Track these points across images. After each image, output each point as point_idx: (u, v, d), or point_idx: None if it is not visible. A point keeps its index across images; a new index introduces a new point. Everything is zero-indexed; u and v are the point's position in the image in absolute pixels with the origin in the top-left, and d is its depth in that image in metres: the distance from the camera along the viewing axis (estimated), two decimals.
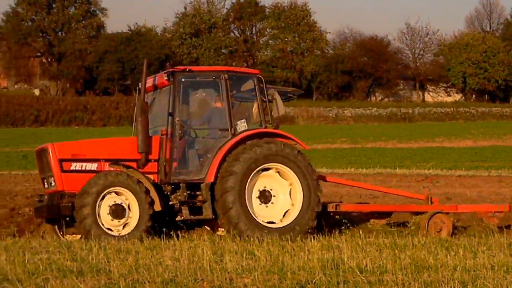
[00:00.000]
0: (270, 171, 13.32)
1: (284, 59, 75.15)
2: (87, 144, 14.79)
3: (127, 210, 12.97)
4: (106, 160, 13.40)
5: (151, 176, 13.41)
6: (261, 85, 13.72)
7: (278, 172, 13.42)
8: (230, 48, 74.86)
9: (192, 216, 13.30)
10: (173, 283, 8.37)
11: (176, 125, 13.21)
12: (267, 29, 79.35)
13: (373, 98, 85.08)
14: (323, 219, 14.49)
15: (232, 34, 78.75)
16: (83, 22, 74.39)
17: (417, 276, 8.36)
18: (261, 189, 13.37)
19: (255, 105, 13.90)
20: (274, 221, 13.26)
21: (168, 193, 13.42)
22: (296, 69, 75.33)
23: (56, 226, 13.50)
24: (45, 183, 13.43)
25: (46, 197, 13.32)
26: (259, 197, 13.36)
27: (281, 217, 13.33)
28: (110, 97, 62.87)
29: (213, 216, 13.31)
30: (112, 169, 13.31)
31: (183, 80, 13.48)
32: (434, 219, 14.28)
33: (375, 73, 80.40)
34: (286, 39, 76.38)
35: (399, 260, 9.62)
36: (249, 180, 13.03)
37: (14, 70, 74.16)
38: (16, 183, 18.14)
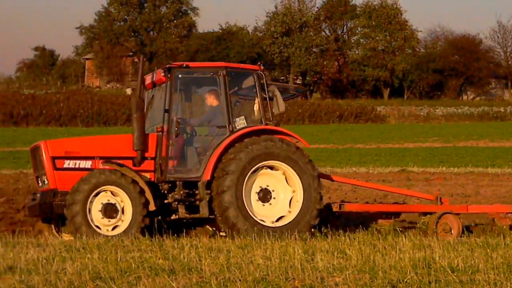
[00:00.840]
0: (269, 169, 13.12)
1: (375, 58, 74.62)
2: (81, 141, 14.73)
3: (119, 211, 12.73)
4: (101, 158, 13.11)
5: (148, 175, 13.13)
6: (261, 81, 13.46)
7: (280, 170, 13.16)
8: (321, 47, 74.56)
9: (187, 215, 13.02)
10: (264, 282, 8.36)
11: (173, 122, 12.99)
12: (358, 28, 79.14)
13: (464, 97, 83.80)
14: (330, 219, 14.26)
15: (323, 33, 78.65)
16: (175, 21, 75.50)
17: (510, 276, 8.23)
18: (261, 188, 13.12)
19: (255, 102, 13.65)
20: (274, 220, 12.98)
21: (165, 191, 13.12)
22: (387, 68, 74.70)
23: (53, 225, 13.31)
24: (39, 182, 13.17)
25: (38, 195, 13.05)
26: (258, 196, 13.08)
27: (282, 216, 13.08)
28: None
29: (210, 215, 12.98)
30: (106, 167, 13.00)
31: (180, 76, 13.23)
32: (442, 219, 13.95)
33: (466, 71, 79.14)
34: (377, 38, 75.86)
35: (491, 259, 9.47)
36: (246, 179, 12.75)
37: (106, 69, 75.86)
38: None
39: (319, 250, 10.78)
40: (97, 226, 12.47)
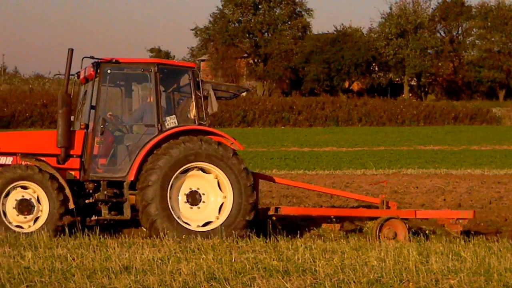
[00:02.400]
0: (201, 171, 12.58)
1: (490, 59, 72.43)
2: (3, 136, 13.70)
3: (36, 205, 12.19)
4: (23, 155, 12.53)
5: (73, 173, 12.63)
6: (196, 79, 12.97)
7: (212, 173, 12.65)
8: (436, 49, 73.00)
9: (108, 216, 12.55)
10: (378, 284, 8.33)
11: (99, 119, 12.48)
12: (474, 29, 77.01)
13: None
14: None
15: (437, 34, 77.06)
16: (289, 23, 74.87)
17: None
18: (191, 189, 12.58)
19: (190, 101, 13.17)
20: (200, 224, 12.50)
21: (90, 191, 12.62)
22: (503, 69, 72.38)
23: None
24: None
25: None
26: (187, 198, 12.56)
27: (209, 222, 12.58)
28: (316, 98, 61.64)
29: (132, 217, 12.58)
30: (24, 162, 12.43)
31: (109, 71, 12.69)
32: (387, 224, 13.28)
33: None
34: (493, 39, 73.65)
35: None
36: (169, 185, 12.27)
37: (221, 70, 75.13)
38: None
39: (434, 252, 10.60)
40: (18, 226, 12.10)
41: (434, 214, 15.03)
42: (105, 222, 13.22)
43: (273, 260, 9.49)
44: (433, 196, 20.15)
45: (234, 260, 9.44)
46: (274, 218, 13.48)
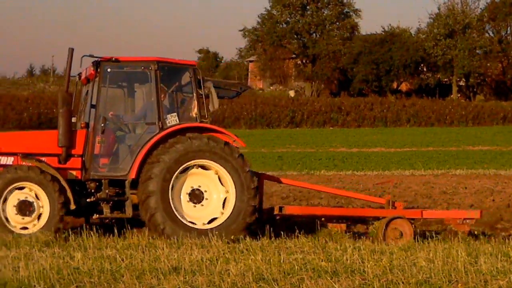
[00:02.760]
0: (200, 169, 12.51)
1: None
2: (3, 136, 13.60)
3: (35, 205, 12.19)
4: (24, 155, 12.48)
5: (75, 172, 12.60)
6: (198, 77, 12.88)
7: (212, 170, 12.55)
8: (485, 49, 72.55)
9: (110, 214, 12.50)
10: (427, 285, 8.35)
11: (100, 118, 12.41)
12: None
13: None
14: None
15: (486, 34, 76.71)
16: (337, 23, 74.62)
17: None
18: (192, 188, 12.54)
19: (191, 98, 13.12)
20: (205, 221, 12.43)
21: (92, 190, 12.61)
22: None
23: None
24: None
25: None
26: (190, 197, 12.49)
27: (214, 218, 12.50)
28: (364, 98, 61.97)
29: (135, 216, 12.49)
30: (25, 163, 12.37)
31: (109, 70, 12.63)
32: (392, 224, 13.19)
33: None
34: None
35: None
36: (172, 181, 12.21)
37: (269, 71, 76.01)
38: (272, 184, 18.28)
39: (483, 253, 10.57)
40: (13, 224, 12.07)
41: (441, 214, 15.10)
42: (106, 220, 13.22)
43: (322, 261, 9.51)
44: (482, 196, 20.04)
45: (283, 261, 9.45)
46: (279, 215, 13.54)
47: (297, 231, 12.69)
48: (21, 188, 12.04)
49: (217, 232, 11.91)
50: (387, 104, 57.34)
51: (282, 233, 12.45)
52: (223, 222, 12.26)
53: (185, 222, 12.19)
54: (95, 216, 12.66)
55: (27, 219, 12.01)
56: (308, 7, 74.20)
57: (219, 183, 12.50)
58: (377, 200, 15.37)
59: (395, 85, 73.30)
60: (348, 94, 67.38)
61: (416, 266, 9.24)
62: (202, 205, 12.49)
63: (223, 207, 12.45)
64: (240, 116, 54.87)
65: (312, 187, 17.17)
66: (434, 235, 13.47)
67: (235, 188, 12.36)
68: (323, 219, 13.94)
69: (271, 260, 9.53)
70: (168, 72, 13.08)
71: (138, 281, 8.13)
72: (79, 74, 13.61)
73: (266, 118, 55.90)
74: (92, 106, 12.58)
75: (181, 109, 13.21)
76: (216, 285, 8.04)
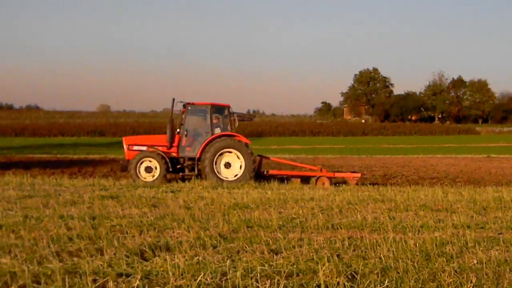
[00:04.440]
0: (228, 152, 23.19)
1: None
2: (143, 137, 24.92)
3: (153, 168, 22.95)
4: (150, 146, 23.76)
5: (174, 154, 23.61)
6: (230, 111, 24.05)
7: (233, 153, 23.13)
8: (449, 101, 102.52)
9: (188, 172, 23.50)
10: (425, 206, 14.56)
11: (185, 129, 23.90)
12: None
13: None
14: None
15: (451, 94, 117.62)
16: (383, 90, 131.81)
17: None
18: (226, 162, 23.18)
19: (226, 122, 24.04)
20: (233, 176, 23.05)
21: (181, 161, 23.65)
22: None
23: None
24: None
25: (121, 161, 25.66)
26: (225, 166, 23.15)
27: (236, 174, 23.11)
28: (396, 123, 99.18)
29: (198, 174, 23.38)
30: (149, 149, 23.51)
31: (189, 108, 23.72)
32: (319, 180, 23.93)
33: None
34: None
35: None
36: (215, 158, 23.02)
37: (352, 112, 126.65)
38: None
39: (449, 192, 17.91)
40: (143, 177, 22.85)
41: (343, 174, 25.25)
42: (186, 176, 23.68)
43: (377, 195, 16.96)
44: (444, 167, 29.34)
45: (357, 194, 16.70)
46: (266, 175, 24.57)
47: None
48: (146, 160, 23.15)
49: (238, 180, 22.61)
50: (405, 126, 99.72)
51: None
52: (240, 176, 22.99)
53: (221, 177, 22.94)
54: (181, 173, 23.67)
55: (149, 175, 23.03)
56: (370, 83, 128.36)
57: (238, 159, 23.19)
58: (313, 167, 26.08)
59: (409, 117, 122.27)
60: (388, 121, 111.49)
61: (419, 197, 16.49)
62: (230, 169, 23.20)
63: (240, 169, 23.10)
64: (340, 129, 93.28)
65: (279, 160, 28.13)
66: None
67: (245, 161, 23.17)
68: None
69: (355, 194, 16.99)
70: (217, 109, 24.09)
71: (296, 204, 14.62)
72: (182, 109, 24.16)
73: (350, 131, 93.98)
74: (182, 124, 23.72)
75: (222, 126, 24.07)
76: (329, 207, 14.06)
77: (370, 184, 23.61)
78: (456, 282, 7.91)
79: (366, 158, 45.98)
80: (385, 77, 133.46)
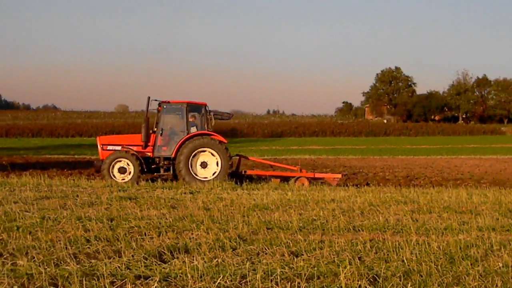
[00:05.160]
0: (205, 152, 23.08)
1: None
2: (117, 137, 24.94)
3: (127, 169, 22.73)
4: (125, 146, 23.55)
5: (149, 153, 23.53)
6: (207, 110, 23.93)
7: (210, 152, 23.01)
8: (474, 100, 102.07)
9: (163, 173, 23.51)
10: (448, 208, 14.66)
11: (160, 129, 23.63)
12: None
13: None
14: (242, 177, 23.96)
15: (475, 93, 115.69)
16: (406, 89, 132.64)
17: None
18: (202, 161, 23.09)
19: (202, 120, 23.90)
20: (211, 175, 22.97)
21: (156, 161, 23.51)
22: None
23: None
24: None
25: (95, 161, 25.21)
26: (201, 165, 23.07)
27: (214, 172, 23.00)
28: (418, 123, 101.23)
29: (173, 174, 23.47)
30: (124, 149, 23.26)
31: (165, 106, 23.67)
32: (299, 180, 23.84)
33: None
34: None
35: None
36: (190, 158, 22.91)
37: (374, 111, 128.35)
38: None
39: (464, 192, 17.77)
40: (115, 176, 22.60)
41: (323, 175, 25.10)
42: (161, 176, 23.80)
43: (399, 197, 16.85)
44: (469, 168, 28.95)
45: (380, 195, 16.63)
46: (245, 175, 24.53)
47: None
48: (120, 161, 22.89)
49: (216, 179, 22.42)
50: (429, 126, 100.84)
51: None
52: (218, 174, 22.92)
53: (197, 177, 22.77)
54: (156, 174, 23.72)
55: (122, 175, 22.67)
56: (392, 82, 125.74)
57: (214, 158, 23.08)
58: (292, 168, 25.99)
59: (432, 117, 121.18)
60: (410, 121, 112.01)
61: (442, 199, 16.40)
62: (206, 169, 23.14)
63: (217, 168, 23.01)
64: (362, 130, 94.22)
65: (259, 160, 28.98)
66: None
67: (221, 160, 23.04)
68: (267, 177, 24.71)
69: (377, 196, 16.84)
70: (193, 107, 23.94)
71: (317, 206, 14.49)
72: (158, 107, 23.80)
73: (372, 131, 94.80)
74: (157, 123, 23.61)
75: (198, 125, 23.91)
76: (350, 208, 14.07)
77: (392, 185, 23.27)
78: (480, 286, 7.77)
79: (388, 159, 45.78)
80: (407, 76, 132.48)
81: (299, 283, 7.63)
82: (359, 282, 7.64)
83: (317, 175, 24.78)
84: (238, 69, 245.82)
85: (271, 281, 7.69)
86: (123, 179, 22.60)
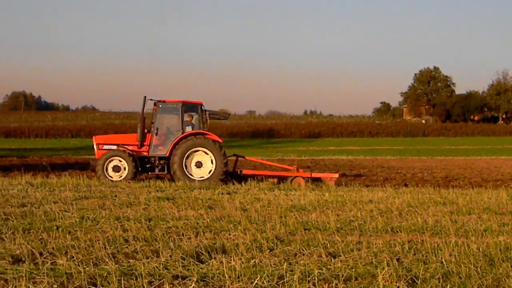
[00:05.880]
0: (200, 151, 23.04)
1: None
2: (113, 136, 25.15)
3: (122, 168, 22.80)
4: (120, 145, 23.60)
5: (145, 152, 23.57)
6: (202, 109, 23.75)
7: (204, 152, 22.99)
8: None
9: (158, 172, 23.53)
10: (488, 210, 14.55)
11: (156, 128, 23.52)
12: None
13: None
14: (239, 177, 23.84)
15: None
16: (444, 89, 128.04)
17: None
18: (197, 161, 23.05)
19: (199, 120, 23.79)
20: (206, 174, 22.95)
21: (152, 160, 23.48)
22: None
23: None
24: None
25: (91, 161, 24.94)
26: (196, 165, 23.04)
27: (207, 174, 22.92)
28: (457, 123, 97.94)
29: (168, 173, 23.35)
30: (119, 148, 23.36)
31: (161, 106, 23.56)
32: (295, 180, 23.59)
33: None
34: None
35: None
36: (185, 157, 22.93)
37: (412, 112, 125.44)
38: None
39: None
40: (111, 176, 22.55)
41: (321, 174, 24.99)
42: (157, 175, 23.80)
43: (438, 198, 16.71)
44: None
45: (415, 196, 16.41)
46: (241, 174, 24.32)
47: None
48: (114, 160, 22.92)
49: (211, 179, 22.49)
50: (468, 126, 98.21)
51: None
52: (212, 174, 22.91)
53: (192, 177, 22.68)
54: (150, 173, 23.71)
55: (117, 174, 22.75)
56: (430, 82, 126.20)
57: (209, 158, 23.05)
58: (289, 167, 25.92)
59: (472, 117, 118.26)
60: (449, 121, 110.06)
61: (482, 200, 16.20)
62: (201, 168, 23.11)
63: (212, 168, 22.93)
64: (400, 130, 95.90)
65: (255, 160, 29.32)
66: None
67: (216, 160, 22.99)
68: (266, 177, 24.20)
69: (415, 197, 16.65)
70: (188, 107, 23.83)
71: (355, 206, 14.56)
72: (154, 106, 23.63)
73: (410, 131, 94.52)
74: (153, 122, 23.62)
75: (196, 124, 23.79)
76: (388, 209, 13.95)
77: (431, 186, 23.06)
78: None
79: (427, 160, 45.48)
80: (446, 76, 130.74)
81: (336, 284, 7.60)
82: (397, 284, 7.59)
83: (314, 174, 24.67)
84: (275, 70, 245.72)
85: (309, 282, 7.67)
86: (117, 178, 22.70)
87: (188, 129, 23.73)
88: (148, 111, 23.92)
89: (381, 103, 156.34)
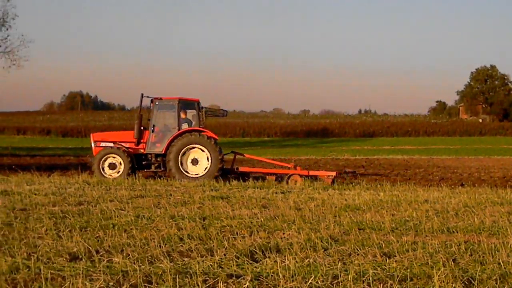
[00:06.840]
0: (196, 148, 23.16)
1: None
2: (110, 134, 25.29)
3: (118, 165, 23.09)
4: (116, 142, 23.86)
5: (142, 150, 23.84)
6: (199, 106, 23.87)
7: (201, 149, 23.06)
8: None
9: (154, 169, 23.67)
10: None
11: (152, 125, 23.74)
12: None
13: None
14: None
15: None
16: (502, 88, 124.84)
17: None
18: (193, 158, 23.15)
19: (195, 117, 23.90)
20: (202, 172, 23.08)
21: (149, 157, 23.77)
22: None
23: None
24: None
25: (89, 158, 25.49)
26: (192, 162, 23.16)
27: (202, 171, 23.04)
28: None
29: (164, 170, 23.54)
30: (115, 146, 23.63)
31: (157, 103, 23.78)
32: (292, 177, 23.50)
33: None
34: None
35: None
36: (180, 154, 23.10)
37: (469, 111, 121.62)
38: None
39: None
40: (109, 175, 22.63)
41: (317, 172, 25.02)
42: (153, 172, 24.18)
43: (495, 198, 16.32)
44: None
45: (474, 196, 15.68)
46: (237, 172, 24.46)
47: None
48: (110, 157, 23.31)
49: (206, 176, 22.65)
50: None
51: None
52: (208, 171, 23.04)
53: (188, 174, 22.89)
54: (146, 170, 23.96)
55: (113, 171, 23.01)
56: (487, 80, 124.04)
57: (205, 155, 23.16)
58: (287, 165, 26.06)
59: None
60: (507, 120, 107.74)
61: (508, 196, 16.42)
62: (197, 166, 23.26)
63: (208, 165, 23.04)
64: (456, 129, 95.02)
65: (254, 158, 28.11)
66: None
67: (211, 157, 23.16)
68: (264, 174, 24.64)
69: (472, 196, 16.41)
70: (185, 104, 24.01)
71: (410, 206, 14.07)
72: (151, 103, 23.93)
73: (467, 130, 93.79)
74: (149, 120, 23.79)
75: (193, 121, 23.96)
76: (444, 209, 13.69)
77: (487, 186, 22.69)
78: None
79: (484, 159, 44.83)
80: (503, 74, 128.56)
81: (391, 284, 7.54)
82: (453, 285, 7.49)
83: (311, 172, 24.62)
84: (330, 69, 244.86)
85: (363, 282, 7.63)
86: (114, 175, 22.89)
87: (185, 126, 23.91)
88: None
89: (437, 101, 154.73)
